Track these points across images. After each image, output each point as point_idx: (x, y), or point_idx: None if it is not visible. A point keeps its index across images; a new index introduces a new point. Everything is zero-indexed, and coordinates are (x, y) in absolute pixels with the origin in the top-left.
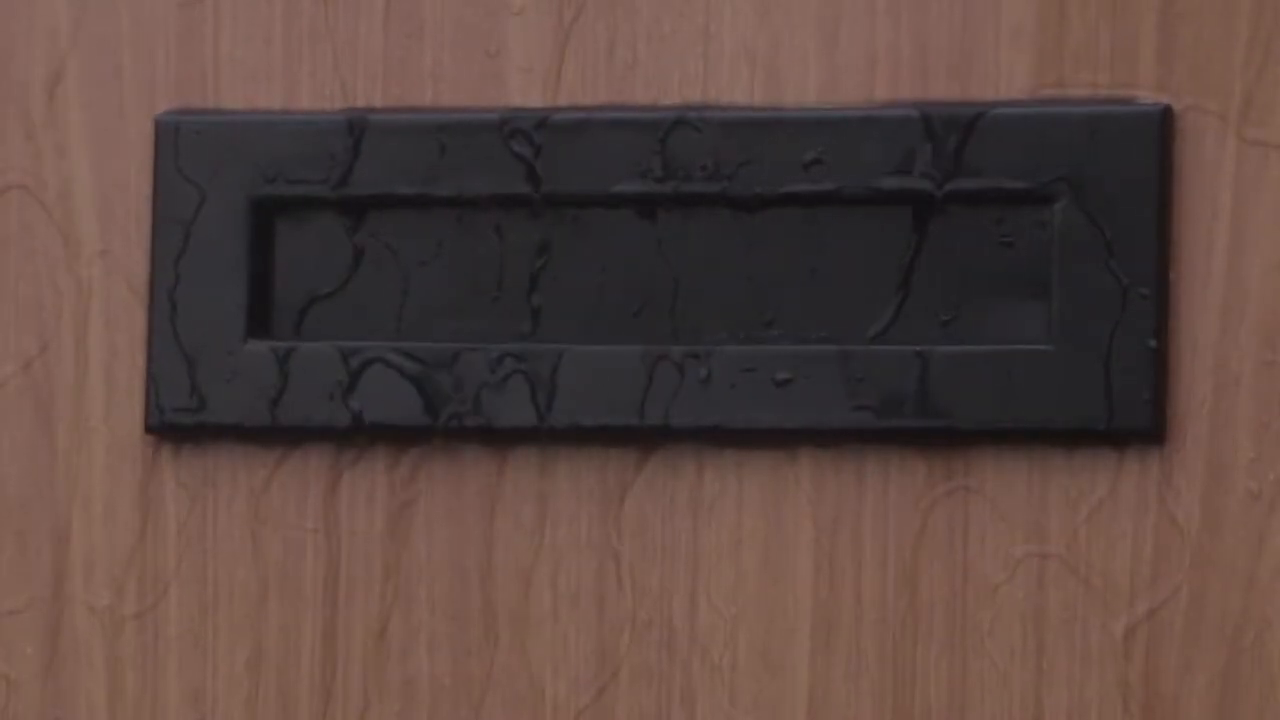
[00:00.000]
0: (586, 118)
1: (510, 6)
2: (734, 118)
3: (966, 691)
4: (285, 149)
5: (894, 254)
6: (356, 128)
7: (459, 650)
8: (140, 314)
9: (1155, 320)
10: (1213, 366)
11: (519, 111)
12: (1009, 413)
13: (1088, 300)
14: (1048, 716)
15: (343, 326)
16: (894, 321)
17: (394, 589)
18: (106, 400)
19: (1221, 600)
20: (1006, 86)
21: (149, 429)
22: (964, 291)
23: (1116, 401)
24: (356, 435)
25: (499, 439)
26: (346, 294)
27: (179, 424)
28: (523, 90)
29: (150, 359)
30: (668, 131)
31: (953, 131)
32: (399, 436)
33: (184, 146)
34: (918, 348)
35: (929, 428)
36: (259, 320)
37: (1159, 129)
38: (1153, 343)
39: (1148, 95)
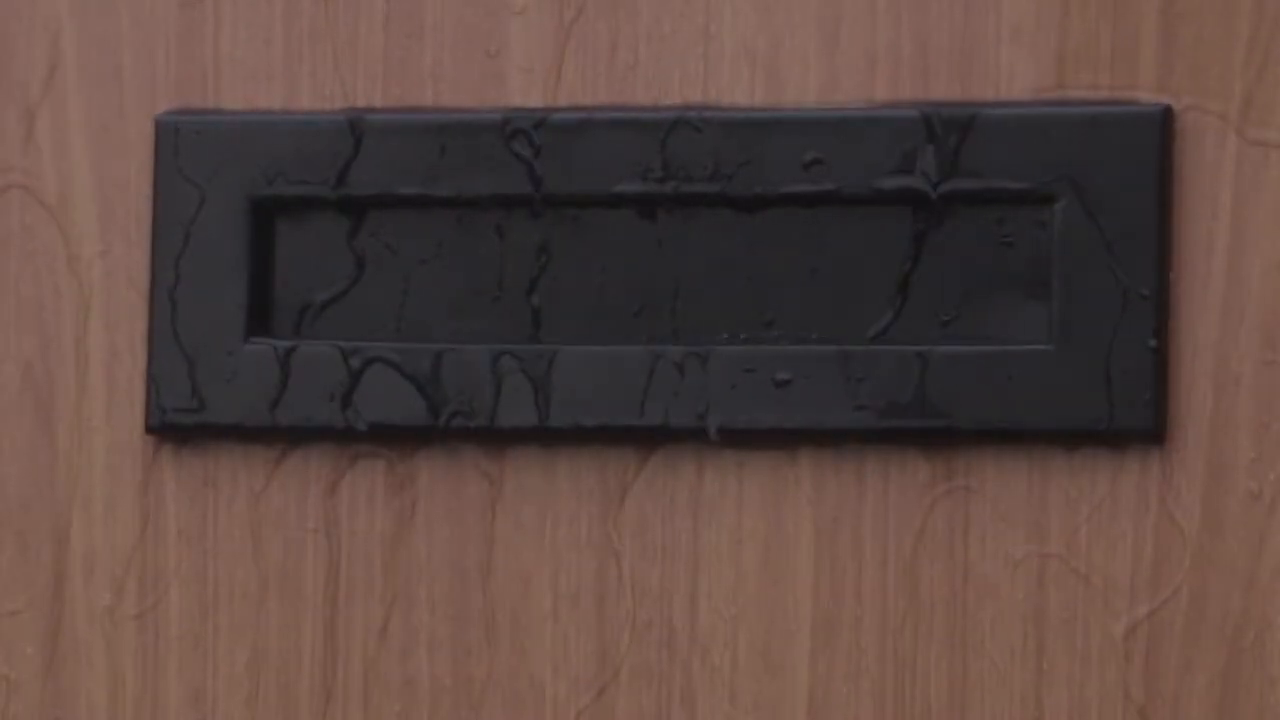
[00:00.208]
0: (587, 118)
1: (511, 6)
2: (734, 118)
3: (966, 691)
4: (285, 149)
5: (894, 254)
6: (356, 128)
7: (459, 650)
8: (140, 314)
9: (1155, 320)
10: (1213, 366)
11: (519, 111)
12: (1009, 413)
13: (1088, 300)
14: (1048, 716)
15: (343, 326)
16: (894, 321)
17: (394, 589)
18: (106, 400)
19: (1221, 600)
20: (1006, 86)
21: (149, 429)
22: (964, 292)
23: (1116, 402)
24: (357, 435)
25: (499, 439)
26: (347, 294)
27: (179, 424)
28: (523, 90)
29: (150, 359)
30: (668, 131)
31: (953, 131)
32: (399, 436)
33: (184, 146)
34: (918, 348)
35: (929, 428)
36: (259, 320)
37: (1159, 129)
38: (1153, 343)
39: (1148, 95)
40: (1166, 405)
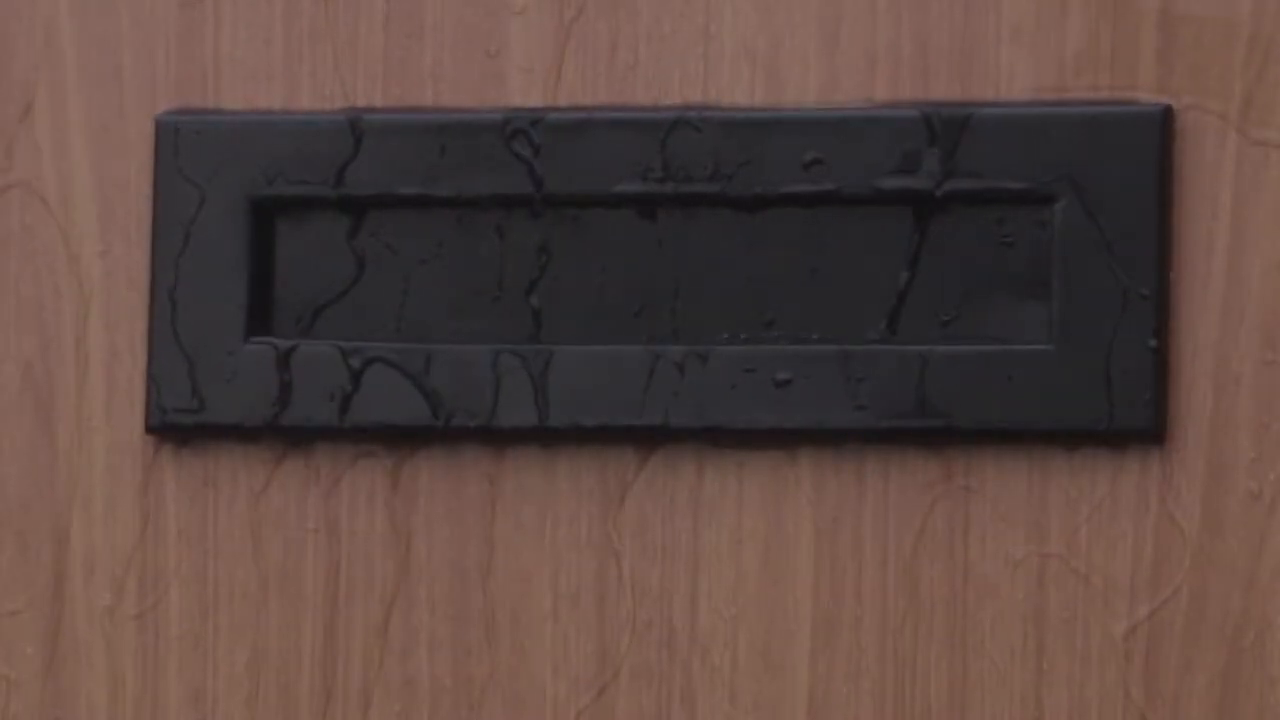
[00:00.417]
0: (587, 118)
1: (511, 6)
2: (734, 118)
3: (966, 691)
4: (285, 149)
5: (894, 254)
6: (356, 128)
7: (459, 650)
8: (140, 314)
9: (1155, 320)
10: (1213, 366)
11: (519, 111)
12: (1009, 413)
13: (1088, 300)
14: (1048, 716)
15: (343, 326)
16: (894, 321)
17: (394, 589)
18: (107, 400)
19: (1221, 600)
20: (1006, 86)
21: (149, 429)
22: (964, 292)
23: (1116, 401)
24: (357, 435)
25: (499, 439)
26: (347, 294)
27: (179, 424)
28: (523, 90)
29: (150, 359)
30: (668, 131)
31: (953, 131)
32: (399, 436)
33: (184, 146)
34: (918, 348)
35: (929, 428)
36: (259, 320)
37: (1159, 129)
38: (1153, 343)
39: (1148, 95)
40: (1166, 405)
